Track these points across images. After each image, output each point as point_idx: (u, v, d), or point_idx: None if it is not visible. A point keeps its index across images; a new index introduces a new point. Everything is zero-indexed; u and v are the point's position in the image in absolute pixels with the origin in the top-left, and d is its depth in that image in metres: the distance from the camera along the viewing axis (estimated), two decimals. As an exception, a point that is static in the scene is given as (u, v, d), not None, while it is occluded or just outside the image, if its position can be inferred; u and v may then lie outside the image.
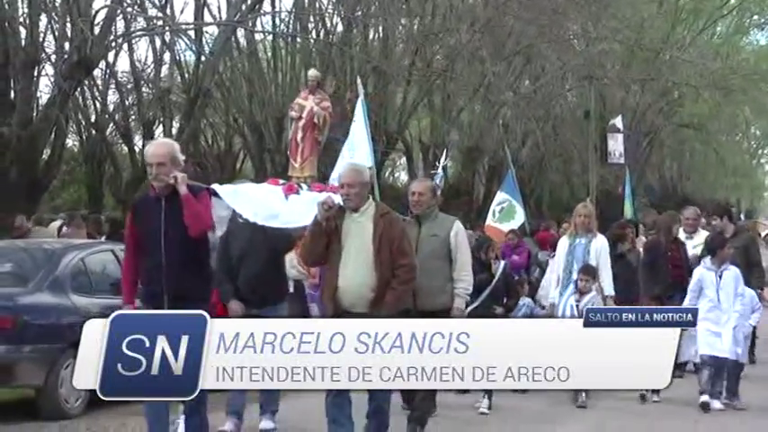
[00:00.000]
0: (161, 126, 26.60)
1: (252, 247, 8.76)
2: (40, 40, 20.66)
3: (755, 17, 38.18)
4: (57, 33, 20.99)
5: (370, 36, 26.95)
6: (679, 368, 10.97)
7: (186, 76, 25.30)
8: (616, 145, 28.87)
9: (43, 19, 20.84)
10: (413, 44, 25.81)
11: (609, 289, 10.75)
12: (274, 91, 25.86)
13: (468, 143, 30.82)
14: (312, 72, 12.35)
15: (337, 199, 7.66)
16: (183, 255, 7.16)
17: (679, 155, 41.67)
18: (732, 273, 10.48)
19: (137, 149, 25.79)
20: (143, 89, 26.42)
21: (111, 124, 27.02)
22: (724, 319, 10.33)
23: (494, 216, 17.46)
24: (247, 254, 8.77)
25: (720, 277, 10.42)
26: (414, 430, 8.47)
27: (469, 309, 9.85)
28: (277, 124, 24.89)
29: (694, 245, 12.12)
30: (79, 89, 22.32)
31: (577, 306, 10.38)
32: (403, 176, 39.88)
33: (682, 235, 12.65)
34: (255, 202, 8.89)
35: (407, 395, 8.77)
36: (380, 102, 25.43)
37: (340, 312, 7.35)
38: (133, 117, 27.19)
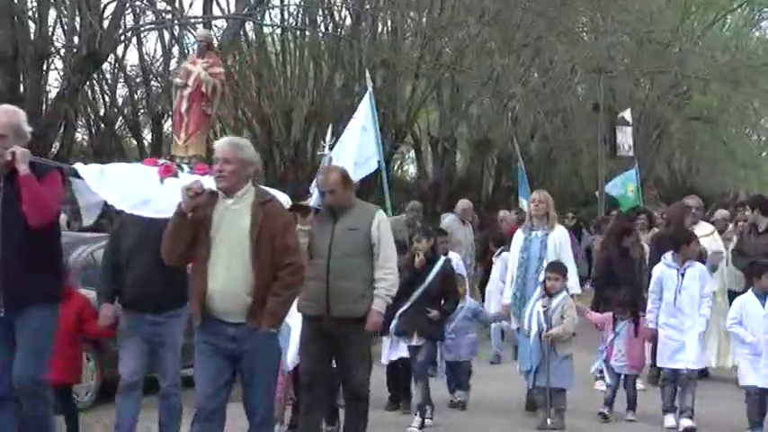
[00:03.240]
0: (170, 119, 26.63)
1: (144, 243, 7.25)
2: (50, 33, 20.73)
3: (766, 10, 38.03)
4: (66, 27, 21.06)
5: (379, 29, 26.92)
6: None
7: (195, 69, 25.30)
8: (625, 138, 28.80)
9: (52, 13, 20.90)
10: (421, 37, 25.77)
11: (575, 287, 9.58)
12: (283, 84, 25.90)
13: (476, 136, 30.85)
14: (200, 31, 10.40)
15: (208, 183, 6.37)
16: (25, 248, 6.08)
17: (688, 147, 41.52)
18: (696, 271, 9.30)
19: (146, 143, 25.84)
20: (152, 83, 26.44)
21: (121, 118, 27.06)
22: (687, 324, 9.17)
23: None
24: (138, 250, 7.35)
25: (683, 276, 9.23)
26: None
27: (399, 311, 8.89)
28: (285, 117, 24.94)
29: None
30: (88, 83, 22.36)
31: (545, 312, 9.10)
32: (412, 170, 39.92)
33: None
34: (125, 185, 7.43)
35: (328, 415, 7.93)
36: (389, 95, 25.43)
37: (211, 321, 6.17)
38: (142, 111, 27.21)
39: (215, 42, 10.75)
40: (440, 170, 29.83)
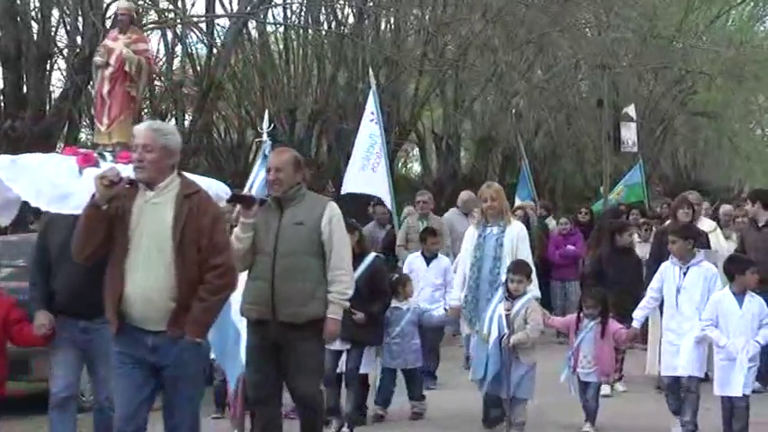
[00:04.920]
0: (173, 119, 26.61)
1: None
2: (53, 33, 20.72)
3: (770, 4, 38.01)
4: (69, 27, 21.02)
5: (382, 27, 26.90)
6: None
7: (198, 68, 25.30)
8: (629, 133, 28.70)
9: (55, 13, 20.88)
10: (424, 34, 25.74)
11: (534, 289, 8.56)
12: (286, 83, 25.88)
13: (480, 133, 30.80)
14: (121, 3, 8.92)
15: (126, 171, 5.68)
16: None
17: (692, 143, 41.47)
18: (702, 271, 8.32)
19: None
20: (155, 82, 26.40)
21: (124, 117, 27.02)
22: (685, 327, 8.21)
23: None
24: (68, 249, 6.24)
25: (684, 275, 8.32)
26: None
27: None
28: (289, 116, 24.90)
29: None
30: (92, 83, 22.35)
31: (508, 317, 8.20)
32: (416, 167, 39.89)
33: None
34: (40, 178, 6.58)
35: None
36: (393, 92, 25.39)
37: (128, 329, 5.51)
38: (145, 110, 27.15)
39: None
40: (444, 167, 29.79)
